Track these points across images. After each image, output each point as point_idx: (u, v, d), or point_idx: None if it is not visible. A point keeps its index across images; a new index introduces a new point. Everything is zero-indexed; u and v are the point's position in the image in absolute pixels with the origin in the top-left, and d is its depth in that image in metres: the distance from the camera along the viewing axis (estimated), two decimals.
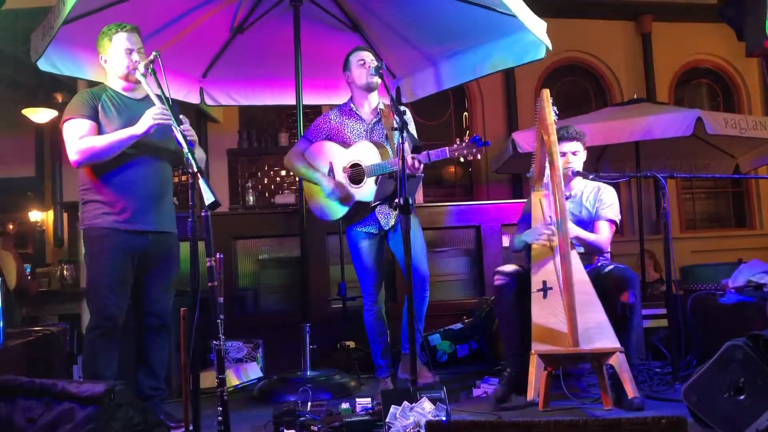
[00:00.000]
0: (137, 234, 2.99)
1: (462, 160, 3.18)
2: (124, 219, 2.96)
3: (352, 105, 3.65)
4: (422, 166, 3.31)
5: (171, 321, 3.19)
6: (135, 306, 3.12)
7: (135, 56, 2.99)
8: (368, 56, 3.58)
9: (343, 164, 3.53)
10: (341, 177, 3.53)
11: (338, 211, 3.55)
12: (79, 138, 2.91)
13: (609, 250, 3.46)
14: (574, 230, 3.27)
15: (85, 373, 3.00)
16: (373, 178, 3.42)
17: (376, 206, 3.48)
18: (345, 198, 3.49)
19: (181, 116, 2.83)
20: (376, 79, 3.48)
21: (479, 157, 3.16)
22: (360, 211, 3.53)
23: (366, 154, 3.47)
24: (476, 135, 3.15)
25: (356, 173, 3.49)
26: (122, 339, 3.03)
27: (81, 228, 3.06)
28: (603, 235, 3.38)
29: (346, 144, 3.57)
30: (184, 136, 2.64)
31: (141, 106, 3.01)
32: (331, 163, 3.56)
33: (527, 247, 3.36)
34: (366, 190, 3.44)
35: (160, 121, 2.82)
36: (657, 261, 6.68)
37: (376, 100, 3.65)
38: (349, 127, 3.60)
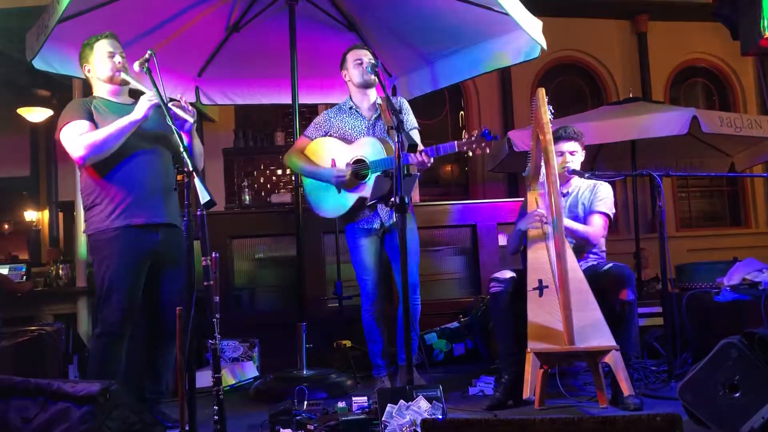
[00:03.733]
0: (149, 228, 2.97)
1: (470, 154, 3.15)
2: (135, 214, 2.94)
3: (351, 103, 3.64)
4: (431, 160, 3.26)
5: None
6: (148, 308, 3.07)
7: (118, 58, 3.01)
8: (365, 55, 3.56)
9: (346, 160, 3.50)
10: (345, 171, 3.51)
11: (340, 208, 3.53)
12: (80, 135, 2.90)
13: (604, 248, 3.47)
14: (565, 221, 3.27)
15: (90, 377, 2.96)
16: (377, 174, 3.39)
17: (371, 205, 3.47)
18: (350, 183, 3.45)
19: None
20: (373, 77, 3.42)
21: (488, 151, 3.13)
22: (362, 209, 3.52)
23: (370, 149, 3.45)
24: (485, 129, 3.11)
25: (360, 168, 3.46)
26: (131, 343, 3.00)
27: (87, 233, 3.00)
28: (594, 226, 3.37)
29: (347, 140, 3.56)
30: (175, 113, 2.67)
31: (131, 109, 3.03)
32: (333, 159, 3.53)
33: (524, 245, 3.37)
34: (370, 186, 3.41)
35: (156, 101, 2.82)
36: (646, 257, 6.70)
37: (374, 95, 3.64)
38: (350, 124, 3.59)
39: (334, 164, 3.52)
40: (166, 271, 3.06)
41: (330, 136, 3.62)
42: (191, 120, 2.79)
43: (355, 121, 3.59)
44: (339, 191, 3.51)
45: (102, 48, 3.02)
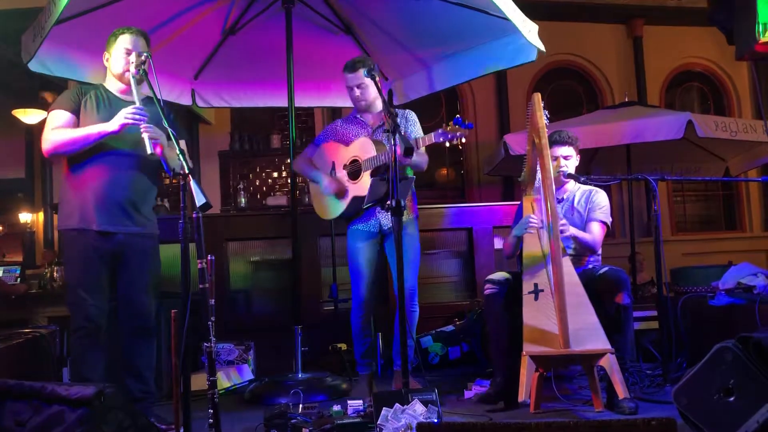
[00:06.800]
0: (107, 235, 2.98)
1: (447, 144, 3.16)
2: (94, 219, 2.95)
3: (358, 114, 3.73)
4: (415, 158, 3.27)
5: (154, 323, 3.16)
6: (116, 309, 3.09)
7: (132, 57, 2.96)
8: (354, 79, 3.58)
9: (344, 162, 3.60)
10: (342, 174, 3.59)
11: (336, 209, 3.61)
12: (53, 128, 2.93)
13: (600, 252, 3.48)
14: (571, 229, 3.29)
15: (73, 376, 3.00)
16: (369, 172, 3.45)
17: (368, 207, 3.49)
18: (339, 192, 3.55)
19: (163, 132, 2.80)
20: (363, 104, 3.60)
21: (464, 140, 3.15)
22: (359, 210, 3.57)
23: (363, 149, 3.51)
24: (458, 117, 3.15)
25: (354, 168, 3.53)
26: (110, 342, 3.02)
27: (58, 228, 3.05)
28: (594, 235, 3.41)
29: (347, 144, 3.65)
30: (145, 138, 2.66)
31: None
32: (333, 162, 3.64)
33: (520, 249, 3.38)
34: (362, 185, 3.48)
35: (130, 121, 2.82)
36: (641, 261, 6.71)
37: (380, 106, 3.67)
38: (354, 131, 3.68)
39: (333, 167, 3.62)
40: (127, 272, 3.07)
41: (335, 141, 3.71)
42: (152, 153, 2.68)
43: (359, 128, 3.68)
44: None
45: (122, 43, 3.01)
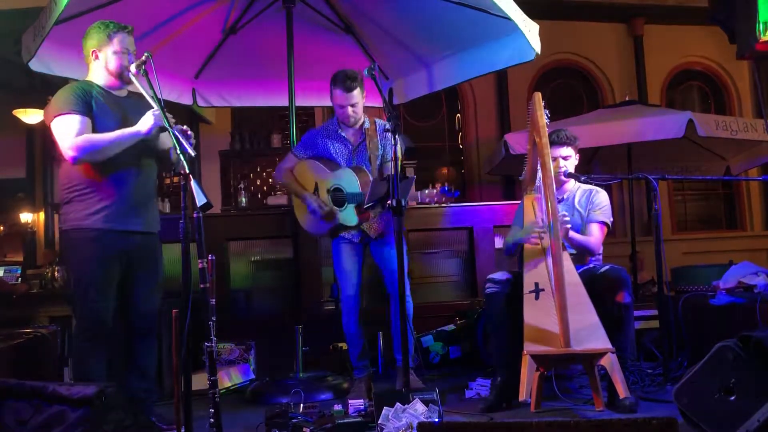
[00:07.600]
0: (127, 234, 2.96)
1: (434, 204, 3.21)
2: (116, 218, 2.93)
3: (339, 128, 3.70)
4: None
5: (157, 323, 3.17)
6: (123, 308, 3.07)
7: (132, 58, 2.97)
8: (348, 99, 3.57)
9: (327, 186, 3.62)
10: (325, 197, 3.62)
11: (319, 229, 3.69)
12: (76, 134, 2.85)
13: (601, 251, 3.48)
14: (570, 232, 3.28)
15: (76, 377, 2.98)
16: (353, 205, 3.51)
17: (369, 207, 3.50)
18: (327, 216, 3.58)
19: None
20: (352, 120, 3.60)
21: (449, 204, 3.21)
22: (343, 229, 3.64)
23: (347, 180, 3.55)
24: (445, 186, 3.17)
25: (338, 197, 3.58)
26: (111, 341, 3.00)
27: (64, 229, 2.97)
28: (594, 236, 3.40)
29: (331, 165, 3.65)
30: (177, 137, 2.63)
31: (127, 103, 3.02)
32: (316, 183, 3.66)
33: (520, 248, 3.38)
34: (346, 215, 3.55)
35: (161, 123, 2.80)
36: (642, 260, 6.70)
37: (361, 119, 3.70)
38: (335, 148, 3.68)
39: (317, 188, 3.64)
40: (139, 270, 3.06)
41: (316, 158, 3.71)
42: (179, 152, 2.60)
43: (340, 146, 3.68)
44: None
45: (123, 42, 2.99)
